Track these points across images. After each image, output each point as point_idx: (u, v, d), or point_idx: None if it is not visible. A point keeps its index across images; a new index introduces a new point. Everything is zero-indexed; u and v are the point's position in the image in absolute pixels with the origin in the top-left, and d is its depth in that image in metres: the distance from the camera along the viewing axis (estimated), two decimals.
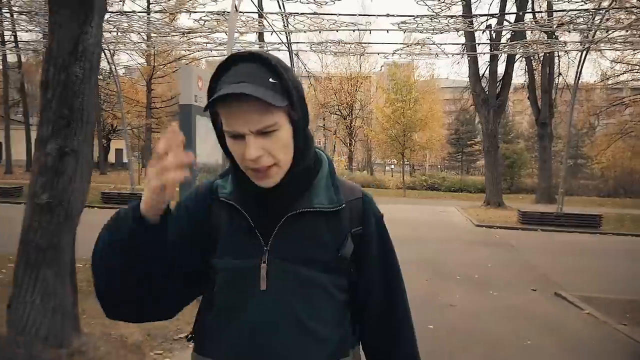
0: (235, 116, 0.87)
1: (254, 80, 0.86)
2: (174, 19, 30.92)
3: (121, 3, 15.38)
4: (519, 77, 25.34)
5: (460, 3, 10.14)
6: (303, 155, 0.98)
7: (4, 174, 28.47)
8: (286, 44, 12.26)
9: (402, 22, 9.65)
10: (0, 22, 13.24)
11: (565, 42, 12.47)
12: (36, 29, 12.30)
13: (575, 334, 4.53)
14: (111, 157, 47.48)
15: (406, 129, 23.59)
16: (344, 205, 1.01)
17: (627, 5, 10.03)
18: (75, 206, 3.01)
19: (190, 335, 1.07)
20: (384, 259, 1.07)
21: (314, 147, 1.03)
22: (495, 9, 17.00)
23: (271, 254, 0.96)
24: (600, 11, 10.46)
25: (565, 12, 11.21)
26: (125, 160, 53.25)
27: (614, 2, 10.36)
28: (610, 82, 25.86)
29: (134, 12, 12.25)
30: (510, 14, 17.48)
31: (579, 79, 11.93)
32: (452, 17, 9.60)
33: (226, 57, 0.94)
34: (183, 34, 12.72)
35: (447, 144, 45.77)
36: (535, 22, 12.94)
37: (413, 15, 9.32)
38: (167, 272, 0.94)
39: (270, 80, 0.88)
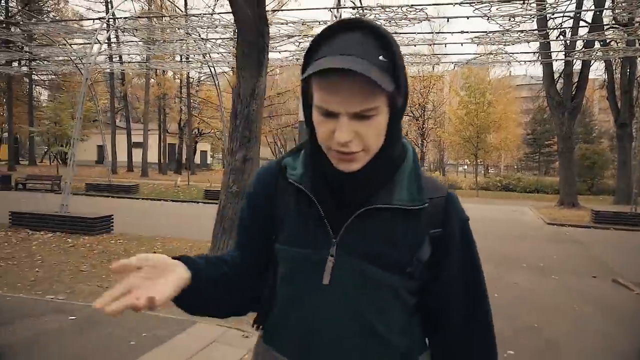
0: (333, 93, 0.77)
1: (363, 54, 0.76)
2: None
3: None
4: (599, 75, 24.93)
5: (531, 20, 10.86)
6: (392, 145, 0.88)
7: (113, 173, 32.37)
8: None
9: (475, 37, 10.67)
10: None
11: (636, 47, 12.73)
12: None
13: (619, 307, 5.51)
14: (196, 159, 51.18)
15: (480, 131, 24.09)
16: (426, 204, 0.91)
17: None
18: None
19: (254, 323, 1.03)
20: (466, 266, 0.96)
21: (402, 136, 0.93)
22: (572, 8, 17.21)
23: (339, 248, 0.89)
24: None
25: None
26: (209, 161, 57.65)
27: None
28: None
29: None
30: (587, 10, 17.61)
31: None
32: (522, 31, 10.45)
33: (331, 24, 0.83)
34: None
35: (524, 144, 44.92)
36: (612, 24, 13.28)
37: (485, 32, 10.31)
38: (238, 282, 0.98)
39: (381, 58, 0.78)
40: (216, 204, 5.11)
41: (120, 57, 22.85)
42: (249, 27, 4.26)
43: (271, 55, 14.47)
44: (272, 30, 10.59)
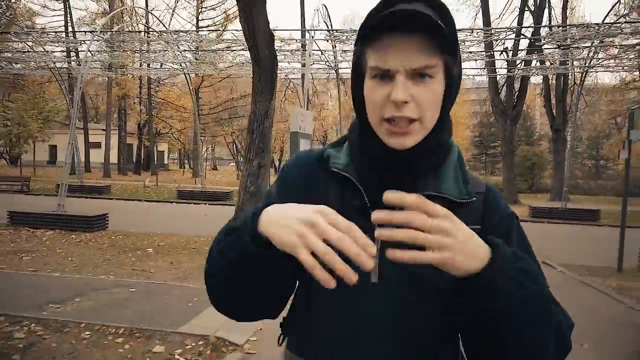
0: (392, 49, 0.76)
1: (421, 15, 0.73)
2: (220, 34, 34.08)
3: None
4: (540, 81, 27.51)
5: (478, 44, 12.52)
6: (444, 125, 0.85)
7: (71, 174, 32.08)
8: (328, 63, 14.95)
9: None
10: None
11: (566, 66, 14.80)
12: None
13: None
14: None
15: None
16: (474, 199, 0.88)
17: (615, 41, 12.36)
18: (264, 192, 5.80)
19: (282, 328, 0.96)
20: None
21: (451, 128, 0.90)
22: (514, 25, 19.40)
23: (384, 241, 0.77)
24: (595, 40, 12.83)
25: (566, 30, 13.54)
26: (166, 161, 57.27)
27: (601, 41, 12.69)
28: (630, 86, 27.70)
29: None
30: (526, 34, 19.80)
31: (578, 99, 14.28)
32: (471, 52, 12.09)
33: None
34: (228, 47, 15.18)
35: (472, 145, 47.95)
36: (549, 41, 15.29)
37: None
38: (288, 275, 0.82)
39: (439, 22, 0.75)
40: (189, 204, 6.22)
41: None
42: (266, 62, 5.46)
43: (238, 59, 15.46)
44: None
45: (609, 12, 13.46)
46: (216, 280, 0.83)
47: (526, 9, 21.71)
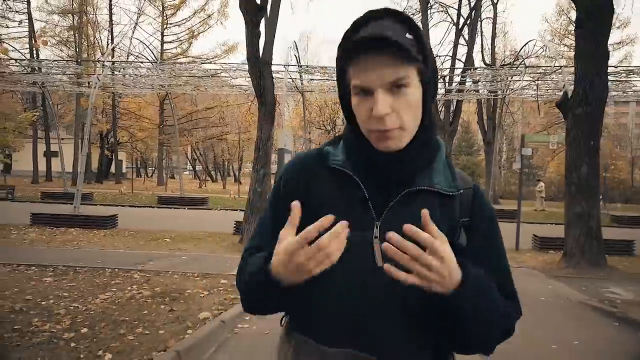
0: (369, 68, 0.86)
1: (392, 32, 0.85)
2: (185, 51, 35.86)
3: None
4: (473, 103, 31.39)
5: None
6: (428, 126, 0.96)
7: (32, 183, 32.76)
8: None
9: None
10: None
11: (488, 93, 18.20)
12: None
13: None
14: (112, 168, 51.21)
15: None
16: (461, 191, 0.98)
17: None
18: (267, 192, 8.26)
19: (284, 315, 1.08)
20: (490, 256, 0.99)
21: (437, 126, 1.01)
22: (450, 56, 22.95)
23: (383, 230, 0.87)
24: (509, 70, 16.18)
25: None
26: (124, 170, 57.49)
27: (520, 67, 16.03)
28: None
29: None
30: (458, 70, 23.30)
31: (501, 118, 17.62)
32: None
33: (362, 14, 0.93)
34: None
35: None
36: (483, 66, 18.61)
37: None
38: None
39: (407, 35, 0.88)
40: (170, 208, 8.51)
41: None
42: (270, 106, 7.97)
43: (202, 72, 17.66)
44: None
45: (519, 52, 16.82)
46: (245, 298, 1.02)
47: (461, 36, 25.20)
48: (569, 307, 5.77)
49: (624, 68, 16.60)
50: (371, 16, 0.91)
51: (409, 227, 0.79)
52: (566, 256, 8.35)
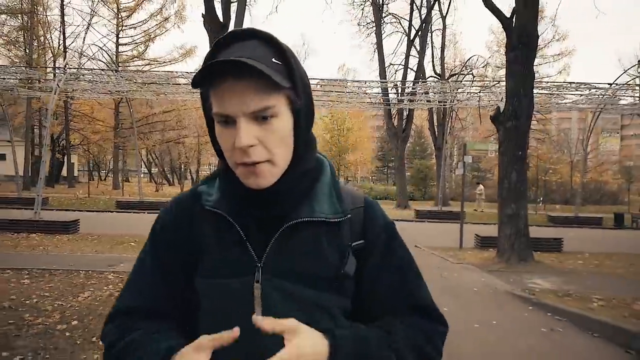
0: (228, 94, 0.77)
1: (255, 57, 0.76)
2: (141, 53, 35.56)
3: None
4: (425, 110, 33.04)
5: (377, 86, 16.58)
6: (303, 155, 0.88)
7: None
8: None
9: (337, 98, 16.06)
10: None
11: (437, 102, 19.51)
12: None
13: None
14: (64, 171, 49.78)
15: (340, 152, 30.38)
16: (348, 215, 0.91)
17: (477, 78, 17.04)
18: None
19: None
20: (390, 273, 0.94)
21: (316, 150, 0.93)
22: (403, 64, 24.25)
23: (266, 272, 0.85)
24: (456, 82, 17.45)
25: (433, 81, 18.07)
26: (76, 173, 55.83)
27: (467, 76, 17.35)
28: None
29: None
30: (412, 78, 24.58)
31: (449, 128, 18.89)
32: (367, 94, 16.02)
33: (225, 34, 0.83)
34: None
35: (376, 159, 53.60)
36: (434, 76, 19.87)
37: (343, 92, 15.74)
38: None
39: (274, 60, 0.79)
40: (130, 213, 8.87)
41: None
42: None
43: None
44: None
45: (464, 65, 18.14)
46: None
47: (413, 47, 26.53)
48: (495, 295, 6.73)
49: (557, 83, 18.19)
50: (235, 37, 0.83)
51: (266, 323, 0.76)
52: (499, 252, 9.42)
